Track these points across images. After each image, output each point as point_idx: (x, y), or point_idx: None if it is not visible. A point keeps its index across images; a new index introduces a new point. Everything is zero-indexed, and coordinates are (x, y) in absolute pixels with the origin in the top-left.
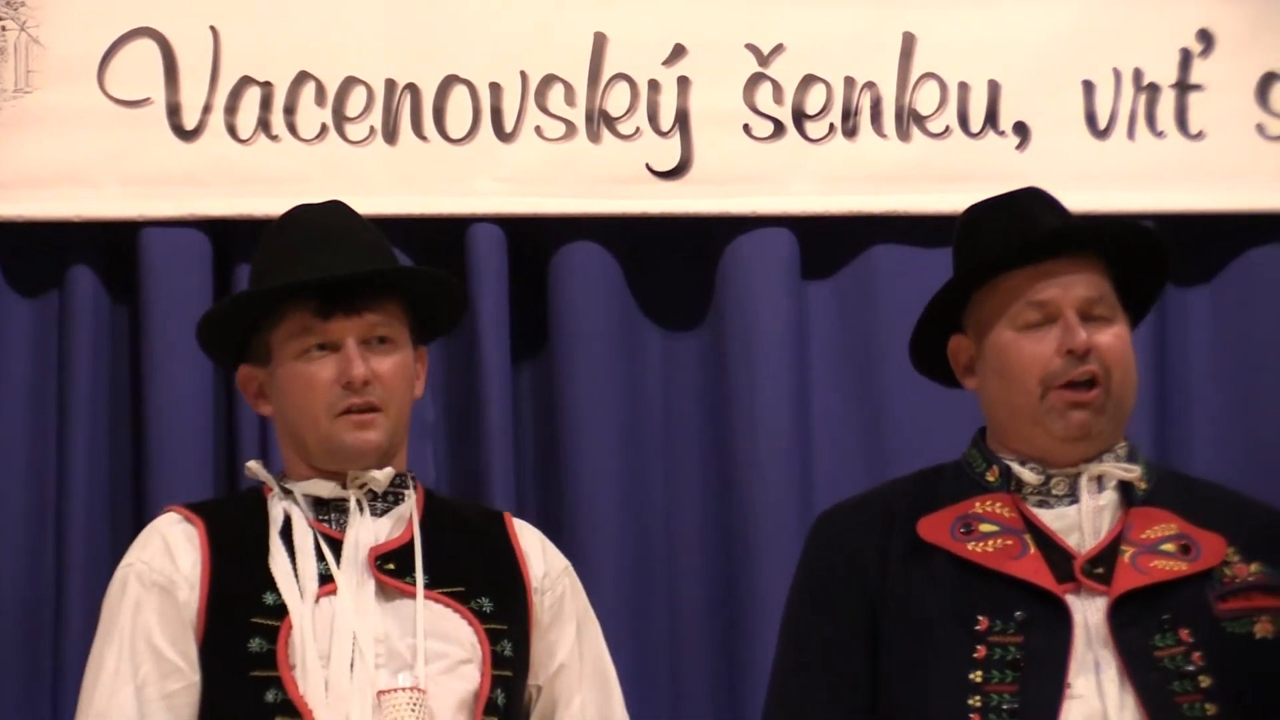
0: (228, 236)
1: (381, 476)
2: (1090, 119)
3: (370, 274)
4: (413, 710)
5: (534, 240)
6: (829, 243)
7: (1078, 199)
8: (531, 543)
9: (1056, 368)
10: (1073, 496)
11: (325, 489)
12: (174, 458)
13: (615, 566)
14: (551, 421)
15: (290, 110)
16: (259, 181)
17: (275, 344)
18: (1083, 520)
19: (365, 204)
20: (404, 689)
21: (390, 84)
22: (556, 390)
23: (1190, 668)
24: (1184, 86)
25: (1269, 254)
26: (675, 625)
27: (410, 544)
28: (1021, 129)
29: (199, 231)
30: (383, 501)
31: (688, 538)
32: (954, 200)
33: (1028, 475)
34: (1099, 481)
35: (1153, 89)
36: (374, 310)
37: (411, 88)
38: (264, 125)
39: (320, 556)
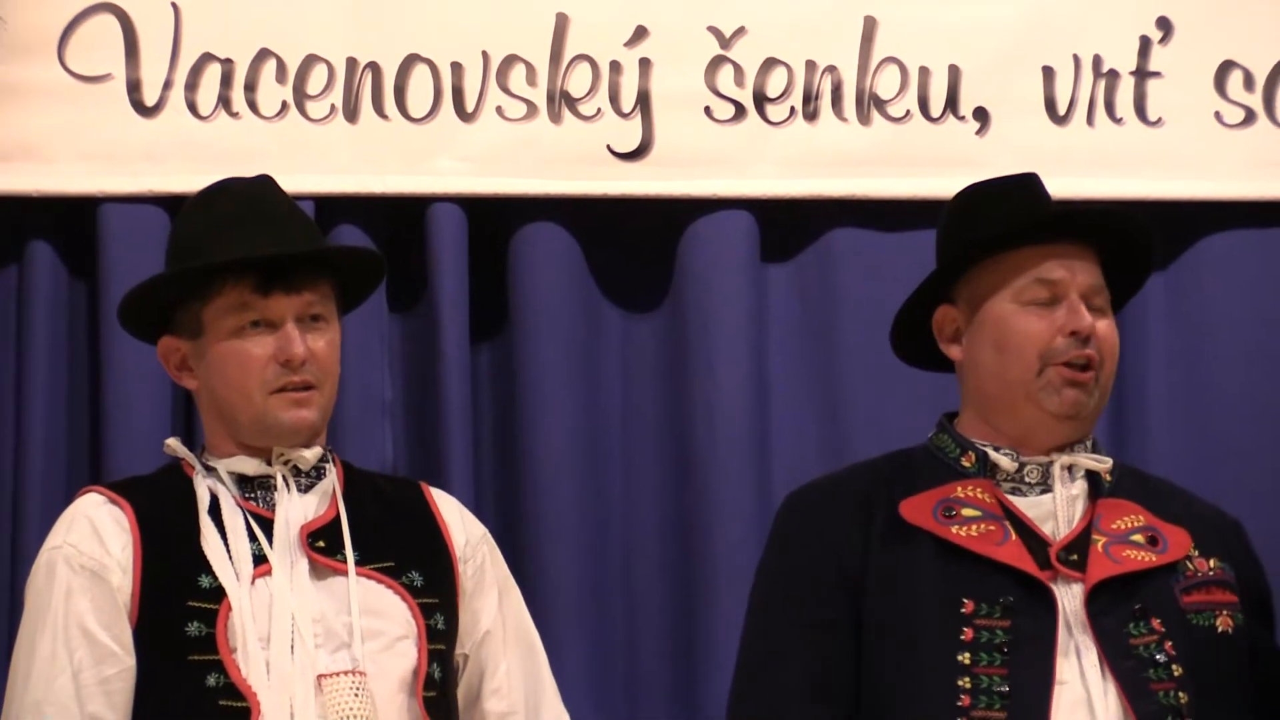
0: None
1: (309, 454)
2: (1050, 105)
3: (319, 253)
4: (355, 694)
5: (494, 220)
6: (789, 226)
7: None
8: (451, 511)
9: (1059, 346)
10: (1044, 485)
11: (250, 466)
12: (132, 432)
13: (572, 547)
14: (510, 401)
15: (251, 87)
16: (219, 158)
17: (209, 318)
18: (1058, 509)
19: (326, 182)
20: (344, 673)
21: (351, 62)
22: (515, 370)
23: (1162, 657)
24: (1143, 74)
25: (1225, 241)
26: (631, 607)
27: (337, 520)
28: (981, 114)
29: (158, 208)
30: (306, 478)
31: (645, 519)
32: (914, 185)
33: (1004, 462)
34: (1069, 471)
35: (1112, 76)
36: (311, 289)
37: (373, 66)
38: (225, 102)
39: (252, 536)
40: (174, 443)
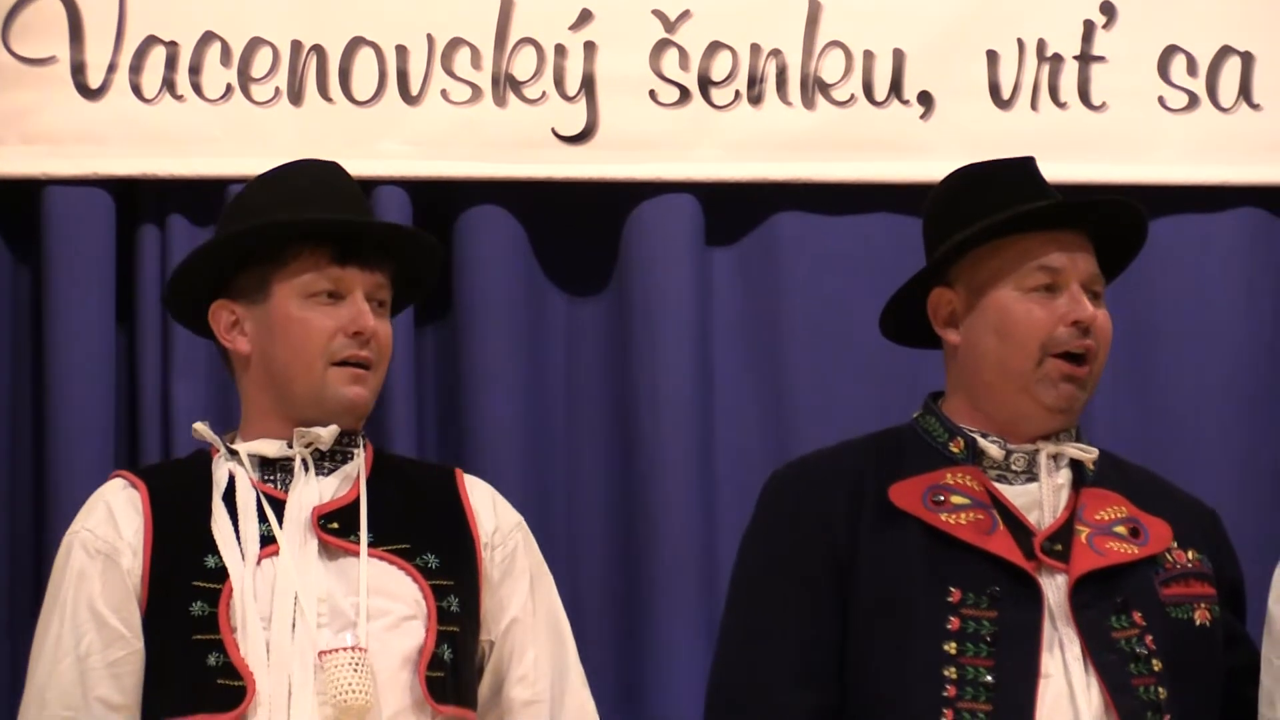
0: (132, 196)
1: (326, 434)
2: (994, 89)
3: (413, 232)
4: (354, 670)
5: (439, 203)
6: (733, 209)
7: None
8: (482, 499)
9: (1060, 336)
10: (1030, 473)
11: (272, 449)
12: (75, 415)
13: None
14: (454, 384)
15: (195, 70)
16: (164, 141)
17: (278, 282)
18: (1044, 498)
19: (269, 165)
20: (344, 649)
21: (296, 45)
22: (459, 353)
23: (1143, 650)
24: (1087, 58)
25: (1168, 226)
26: (575, 591)
27: (355, 503)
28: (926, 98)
29: (103, 191)
30: (330, 461)
31: (589, 502)
32: (858, 169)
33: (992, 449)
34: (1055, 460)
35: (1056, 60)
36: (382, 271)
37: (317, 49)
38: (169, 85)
39: (262, 517)
40: (201, 427)
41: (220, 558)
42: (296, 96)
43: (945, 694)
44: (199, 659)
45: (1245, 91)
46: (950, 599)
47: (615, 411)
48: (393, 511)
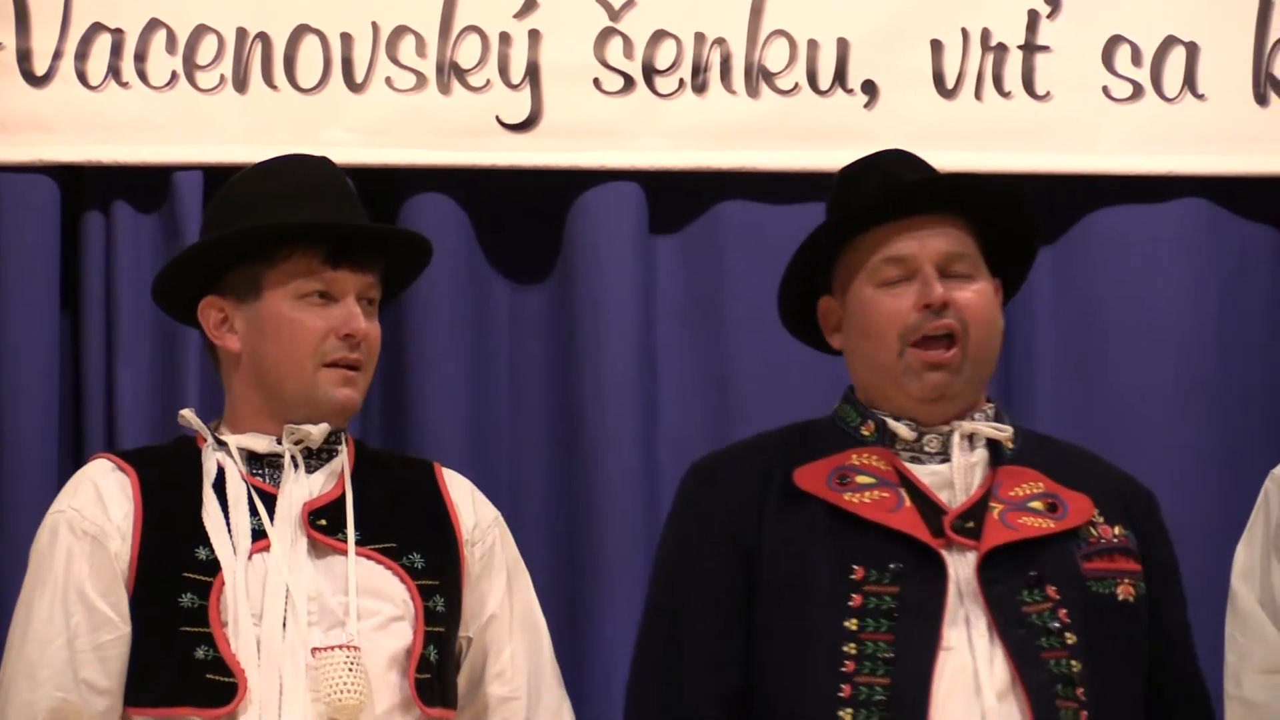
0: (77, 183)
1: (317, 432)
2: (938, 78)
3: (408, 234)
4: (349, 669)
5: (383, 191)
6: (677, 198)
7: (924, 158)
8: (462, 494)
9: (913, 321)
10: (945, 454)
11: (261, 444)
12: (17, 401)
13: None
14: (398, 372)
15: (141, 57)
16: (109, 128)
17: (270, 282)
18: (955, 477)
19: (215, 153)
20: (339, 647)
21: (241, 32)
22: (403, 341)
23: (1056, 624)
24: (1031, 48)
25: (1113, 216)
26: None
27: (342, 498)
28: (870, 87)
29: (48, 178)
30: (316, 458)
31: (533, 491)
32: (802, 157)
33: (902, 430)
34: (971, 439)
35: (1000, 49)
36: (373, 271)
37: (262, 36)
38: (114, 72)
39: (254, 511)
40: (188, 414)
41: (212, 549)
42: (241, 84)
43: (844, 669)
44: (186, 651)
45: (1190, 82)
46: (853, 576)
47: (559, 399)
48: (378, 509)
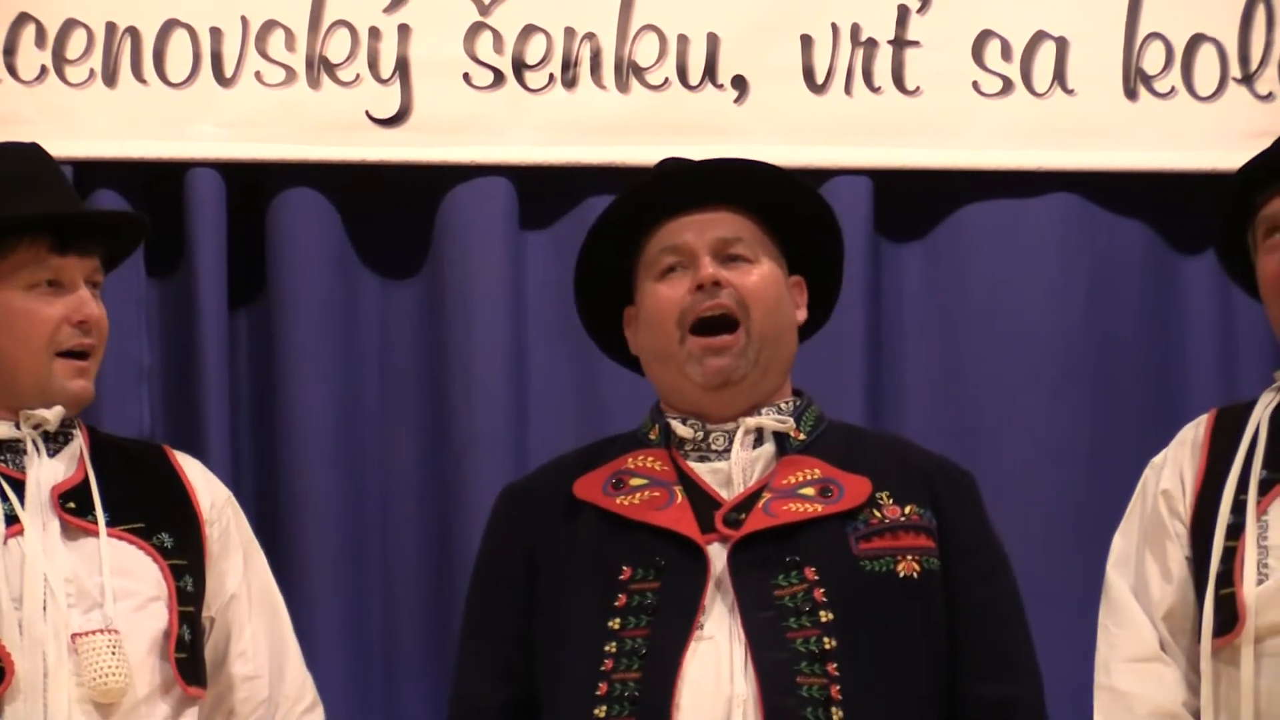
0: None
1: (52, 416)
2: (808, 73)
3: (130, 218)
4: (112, 652)
5: (252, 186)
6: (548, 193)
7: (795, 153)
8: (196, 474)
9: (688, 304)
10: (731, 450)
11: (1, 429)
12: None
13: (330, 513)
14: (268, 367)
15: (10, 51)
16: None
17: None
18: (733, 471)
19: (84, 147)
20: (99, 631)
21: (111, 27)
22: (273, 336)
23: (809, 605)
24: (901, 43)
25: (982, 211)
26: (389, 572)
27: (86, 482)
28: (740, 82)
29: None
30: (54, 442)
31: (402, 484)
32: (672, 152)
33: (682, 430)
34: (759, 435)
35: (870, 45)
36: (97, 255)
37: (132, 31)
38: None
39: (4, 497)
40: None
41: None
42: (111, 78)
43: (604, 668)
44: None
45: (1060, 77)
46: (621, 577)
47: (429, 394)
48: (123, 490)
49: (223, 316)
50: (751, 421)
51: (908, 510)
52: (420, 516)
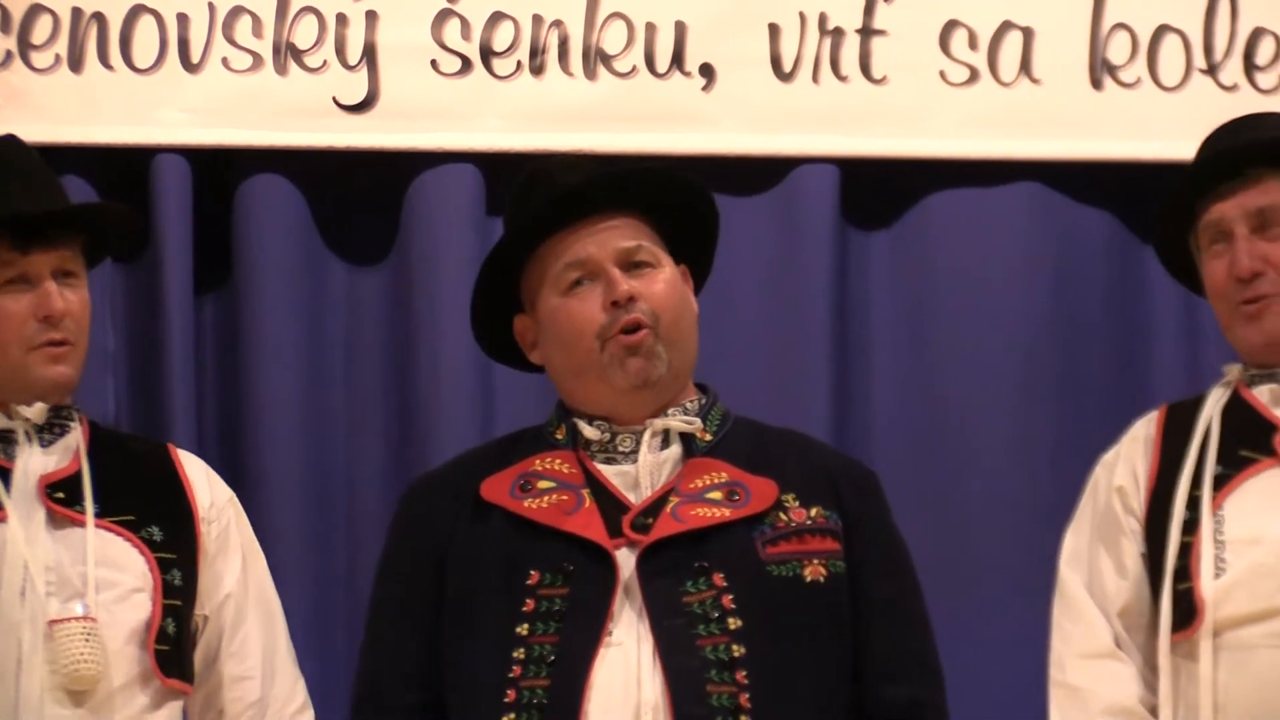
0: None
1: (34, 413)
2: (775, 62)
3: (81, 211)
4: (86, 640)
5: (219, 172)
6: (514, 180)
7: (762, 142)
8: (197, 473)
9: (605, 321)
10: (638, 452)
11: None
12: None
13: (295, 499)
14: (234, 353)
15: None
16: None
17: None
18: (640, 475)
19: (50, 132)
20: (76, 618)
21: (77, 12)
22: (239, 322)
23: (717, 612)
24: (868, 31)
25: (948, 200)
26: (353, 559)
27: (79, 474)
28: (707, 70)
29: None
30: (49, 434)
31: (368, 470)
32: (640, 140)
33: (589, 431)
34: (665, 436)
35: (837, 33)
36: (65, 245)
37: (98, 16)
38: None
39: None
40: None
41: None
42: (77, 64)
43: (511, 674)
44: None
45: (1026, 66)
46: (529, 582)
47: (395, 381)
48: (116, 483)
49: (188, 303)
50: (659, 424)
51: (813, 513)
52: (385, 503)
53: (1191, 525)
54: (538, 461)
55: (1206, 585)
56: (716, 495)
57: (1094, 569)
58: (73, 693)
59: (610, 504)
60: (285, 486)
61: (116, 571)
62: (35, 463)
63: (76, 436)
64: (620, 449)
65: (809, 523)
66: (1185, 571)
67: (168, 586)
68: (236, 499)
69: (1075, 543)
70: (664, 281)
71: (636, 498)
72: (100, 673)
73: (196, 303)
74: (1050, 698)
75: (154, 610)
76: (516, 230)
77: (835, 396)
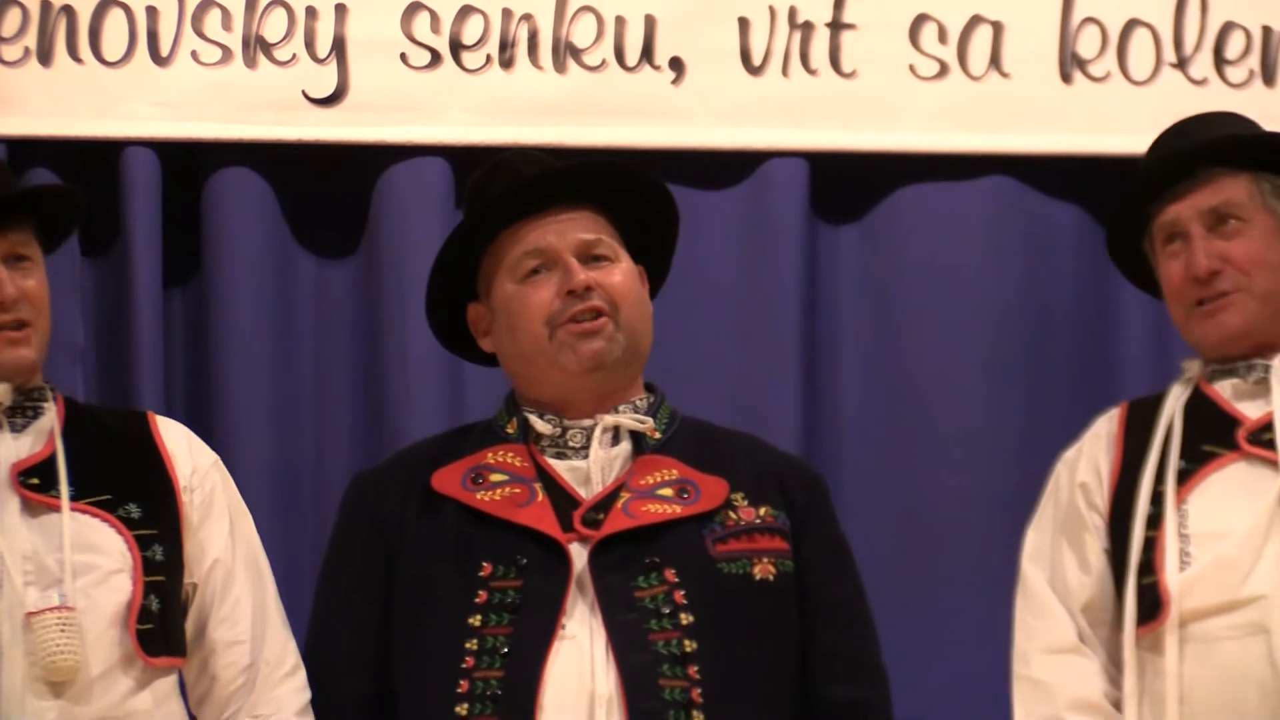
0: None
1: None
2: (745, 55)
3: (24, 195)
4: (62, 630)
5: (188, 165)
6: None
7: (731, 135)
8: (177, 440)
9: (558, 308)
10: (589, 448)
11: None
12: None
13: (264, 493)
14: (203, 347)
15: None
16: None
17: None
18: (591, 470)
19: (19, 125)
20: (52, 609)
21: (46, 5)
22: (208, 316)
23: (669, 607)
24: (838, 25)
25: (918, 193)
26: (320, 550)
27: (53, 457)
28: (677, 64)
29: None
30: (21, 417)
31: (337, 463)
32: (609, 133)
33: (541, 425)
34: (615, 433)
35: (807, 27)
36: (14, 231)
37: (67, 9)
38: None
39: None
40: None
41: None
42: (46, 56)
43: (464, 665)
44: None
45: (996, 60)
46: (481, 574)
47: (364, 374)
48: (91, 463)
49: (157, 296)
50: (609, 420)
51: (762, 512)
52: None
53: (1155, 520)
54: (489, 454)
55: (1171, 579)
56: (667, 492)
57: (1057, 564)
58: (52, 683)
59: (562, 498)
60: (254, 477)
61: (95, 555)
62: (6, 449)
63: (51, 418)
64: (571, 444)
65: (758, 521)
66: (1150, 565)
67: (148, 564)
68: (220, 462)
69: (1038, 539)
70: (622, 274)
71: (587, 493)
72: (78, 663)
73: (166, 295)
74: (1015, 692)
75: (135, 590)
76: (477, 215)
77: (804, 390)
